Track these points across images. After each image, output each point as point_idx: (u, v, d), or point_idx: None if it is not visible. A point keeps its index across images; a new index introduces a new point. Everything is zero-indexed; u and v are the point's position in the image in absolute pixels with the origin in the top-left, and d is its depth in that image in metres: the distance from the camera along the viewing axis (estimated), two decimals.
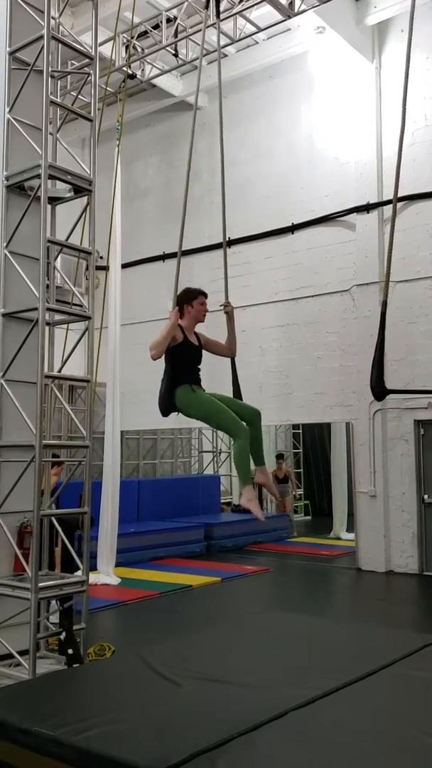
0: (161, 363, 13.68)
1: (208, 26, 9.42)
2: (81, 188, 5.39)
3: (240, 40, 10.07)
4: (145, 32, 10.34)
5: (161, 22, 10.04)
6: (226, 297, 5.44)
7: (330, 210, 10.48)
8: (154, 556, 10.62)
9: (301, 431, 17.19)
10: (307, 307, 10.68)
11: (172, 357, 4.96)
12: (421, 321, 9.51)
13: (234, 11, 9.38)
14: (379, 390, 4.88)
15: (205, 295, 5.17)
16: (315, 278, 10.58)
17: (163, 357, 5.01)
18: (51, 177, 5.16)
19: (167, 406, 4.99)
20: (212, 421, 4.97)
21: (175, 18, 9.93)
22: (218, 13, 6.07)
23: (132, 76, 10.49)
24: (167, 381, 4.96)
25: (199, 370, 5.12)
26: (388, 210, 9.98)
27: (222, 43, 10.29)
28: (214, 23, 9.14)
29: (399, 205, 9.71)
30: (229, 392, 5.40)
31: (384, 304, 4.92)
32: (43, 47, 5.13)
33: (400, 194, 9.53)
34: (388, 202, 9.91)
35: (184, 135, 12.44)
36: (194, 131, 5.62)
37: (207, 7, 5.97)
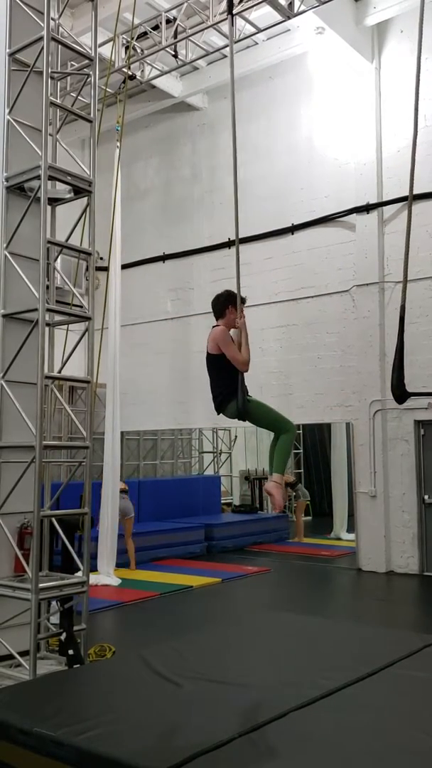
0: (161, 363, 13.68)
1: (212, 25, 9.48)
2: (81, 189, 5.39)
3: (240, 40, 10.06)
4: (145, 33, 10.35)
5: (161, 23, 10.05)
6: (241, 309, 5.47)
7: (330, 210, 10.48)
8: (154, 557, 10.62)
9: (301, 431, 17.18)
10: (307, 308, 10.68)
11: (226, 363, 5.13)
12: (420, 321, 9.51)
13: (234, 12, 9.38)
14: (400, 393, 4.92)
15: (244, 302, 5.42)
16: (315, 279, 10.58)
17: (209, 365, 5.22)
18: (51, 178, 5.17)
19: (242, 412, 5.15)
20: (265, 419, 5.37)
21: (175, 19, 9.93)
22: (232, 19, 6.08)
23: (132, 77, 10.50)
24: (242, 387, 5.08)
25: None
26: (388, 210, 10.00)
27: (221, 43, 10.32)
28: (219, 21, 9.19)
29: (398, 205, 9.74)
30: None
31: (402, 309, 4.95)
32: (42, 48, 5.14)
33: (400, 195, 9.61)
34: (388, 202, 9.93)
35: (183, 136, 12.47)
36: (235, 122, 5.58)
37: (229, 12, 6.00)
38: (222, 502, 14.81)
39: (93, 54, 5.61)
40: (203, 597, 8.58)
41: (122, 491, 9.56)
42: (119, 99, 9.79)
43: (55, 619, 5.45)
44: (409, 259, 5.20)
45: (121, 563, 9.54)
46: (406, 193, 9.33)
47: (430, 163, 9.52)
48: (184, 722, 2.98)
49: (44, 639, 5.36)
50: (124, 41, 10.27)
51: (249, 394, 5.28)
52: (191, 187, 12.23)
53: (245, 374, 5.23)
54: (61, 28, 5.89)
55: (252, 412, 5.22)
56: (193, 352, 11.14)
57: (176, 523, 11.96)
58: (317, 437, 17.16)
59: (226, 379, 5.18)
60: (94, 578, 8.01)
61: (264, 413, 5.34)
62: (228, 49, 10.43)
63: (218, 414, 5.39)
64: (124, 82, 9.90)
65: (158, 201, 12.74)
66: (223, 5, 9.15)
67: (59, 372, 5.57)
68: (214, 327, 5.34)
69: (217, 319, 5.40)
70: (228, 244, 10.85)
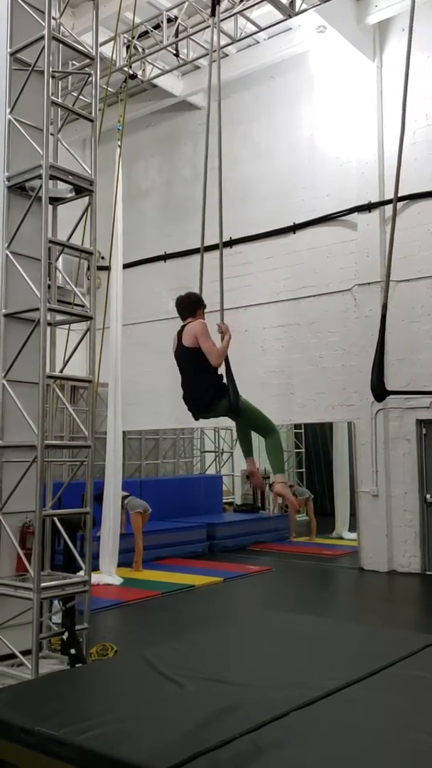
0: (162, 363, 13.72)
1: (209, 26, 9.47)
2: (82, 188, 5.40)
3: (241, 39, 10.07)
4: (146, 32, 10.34)
5: (162, 22, 10.04)
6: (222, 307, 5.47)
7: (331, 210, 10.47)
8: (156, 556, 10.61)
9: (303, 431, 17.18)
10: (309, 307, 10.68)
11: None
12: (422, 320, 9.50)
13: (234, 11, 9.38)
14: (379, 391, 4.92)
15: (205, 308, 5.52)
16: (316, 278, 10.57)
17: (189, 362, 5.12)
18: (52, 177, 5.17)
19: (235, 409, 5.13)
20: (256, 418, 5.34)
21: (176, 18, 9.93)
22: (213, 12, 6.07)
23: (133, 77, 10.50)
24: (233, 384, 5.04)
25: None
26: (389, 209, 9.96)
27: (222, 42, 10.31)
28: (221, 20, 9.18)
29: (400, 204, 9.72)
30: None
31: (384, 307, 4.94)
32: (43, 48, 5.14)
33: (401, 194, 9.59)
34: (390, 201, 9.90)
35: (185, 135, 12.46)
36: (206, 128, 5.61)
37: (213, 14, 5.98)
38: (224, 501, 14.81)
39: (94, 53, 5.61)
40: (205, 596, 8.58)
41: (124, 497, 9.62)
42: (120, 98, 9.78)
43: (57, 618, 5.46)
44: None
45: (123, 562, 9.53)
46: (407, 191, 9.39)
47: (431, 163, 9.54)
48: (185, 721, 2.98)
49: (46, 638, 5.36)
50: (125, 40, 10.26)
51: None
52: (192, 187, 12.20)
53: None
54: (62, 28, 5.88)
55: (244, 409, 5.17)
56: None
57: (178, 522, 11.96)
58: (319, 437, 17.16)
59: (212, 376, 5.12)
60: (95, 577, 8.01)
61: (255, 411, 5.31)
62: (229, 48, 10.49)
63: (203, 413, 5.29)
64: (125, 81, 9.89)
65: (159, 200, 12.73)
66: (225, 4, 9.15)
67: (61, 371, 5.57)
68: (188, 323, 5.28)
69: (185, 319, 5.37)
70: (229, 244, 10.84)
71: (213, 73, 5.79)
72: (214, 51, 5.85)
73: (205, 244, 11.73)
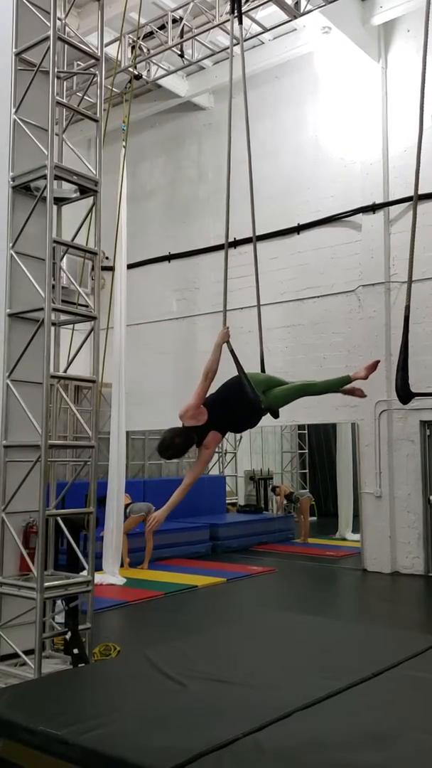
0: (166, 363, 13.64)
1: (218, 25, 9.47)
2: (87, 189, 5.40)
3: (246, 40, 10.03)
4: (151, 33, 10.35)
5: (167, 22, 10.04)
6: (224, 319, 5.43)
7: (336, 210, 10.47)
8: (159, 557, 10.61)
9: (306, 432, 17.17)
10: (313, 308, 10.67)
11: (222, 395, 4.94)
12: (426, 322, 9.49)
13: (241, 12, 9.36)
14: (404, 393, 4.86)
15: None
16: (320, 279, 10.57)
17: (220, 404, 4.90)
18: (57, 177, 5.17)
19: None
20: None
21: (181, 18, 9.94)
22: (240, 18, 6.02)
23: (138, 77, 10.51)
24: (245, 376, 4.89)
25: None
26: (393, 210, 9.98)
27: (227, 43, 10.28)
28: (226, 21, 9.18)
29: (404, 205, 9.73)
30: None
31: (407, 308, 4.90)
32: (49, 48, 5.14)
33: (406, 194, 9.60)
34: (394, 202, 9.91)
35: (189, 135, 12.47)
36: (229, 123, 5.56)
37: (233, 11, 5.91)
38: (227, 502, 14.82)
39: (99, 54, 5.61)
40: (208, 597, 8.58)
41: (127, 505, 9.66)
42: (125, 99, 9.79)
43: (60, 618, 5.46)
44: (414, 258, 5.15)
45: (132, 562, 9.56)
46: (412, 192, 9.35)
47: None
48: (188, 722, 2.98)
49: (49, 638, 5.37)
50: (131, 41, 10.28)
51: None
52: (197, 187, 12.23)
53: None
54: (67, 28, 5.88)
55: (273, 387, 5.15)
56: (198, 351, 11.13)
57: (181, 522, 11.95)
58: (323, 438, 17.15)
59: (238, 392, 4.85)
60: (99, 577, 8.01)
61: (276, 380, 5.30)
62: (234, 48, 10.47)
63: (261, 407, 5.07)
64: (130, 81, 9.90)
65: (164, 201, 12.74)
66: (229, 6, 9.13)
67: (65, 371, 5.57)
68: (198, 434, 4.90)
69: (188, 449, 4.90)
70: (234, 244, 10.84)
71: (236, 67, 5.72)
72: (221, 51, 5.82)
73: (210, 245, 11.81)
